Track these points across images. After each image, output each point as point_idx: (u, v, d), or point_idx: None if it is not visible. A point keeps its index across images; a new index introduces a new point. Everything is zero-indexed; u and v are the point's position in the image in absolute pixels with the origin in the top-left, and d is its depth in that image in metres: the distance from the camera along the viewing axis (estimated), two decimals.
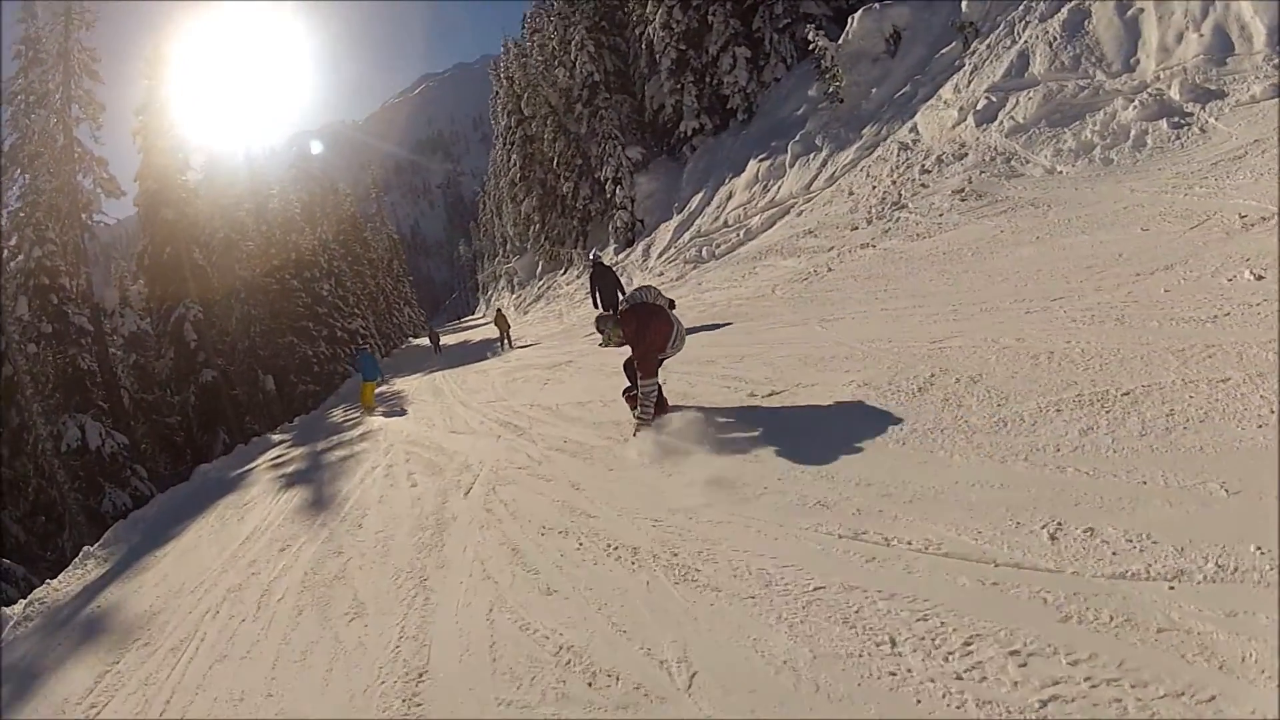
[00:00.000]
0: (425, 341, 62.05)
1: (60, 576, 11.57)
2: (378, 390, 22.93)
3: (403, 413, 17.53)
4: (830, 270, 15.13)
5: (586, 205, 43.04)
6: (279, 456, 17.37)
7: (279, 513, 10.54)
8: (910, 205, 16.63)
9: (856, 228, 17.46)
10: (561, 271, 46.67)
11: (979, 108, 18.31)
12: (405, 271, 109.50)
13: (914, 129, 20.65)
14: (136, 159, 33.53)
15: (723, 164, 30.76)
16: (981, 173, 15.93)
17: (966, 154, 17.28)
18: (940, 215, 15.03)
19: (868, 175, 20.36)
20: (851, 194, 20.06)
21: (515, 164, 51.74)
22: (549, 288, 46.80)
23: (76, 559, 12.35)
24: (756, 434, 6.70)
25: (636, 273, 29.82)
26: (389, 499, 9.15)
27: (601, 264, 17.84)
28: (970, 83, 19.75)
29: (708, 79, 33.67)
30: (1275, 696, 2.48)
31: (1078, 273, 8.38)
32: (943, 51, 22.76)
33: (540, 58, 45.77)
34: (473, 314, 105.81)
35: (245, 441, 24.89)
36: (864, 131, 23.11)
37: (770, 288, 15.97)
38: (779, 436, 6.44)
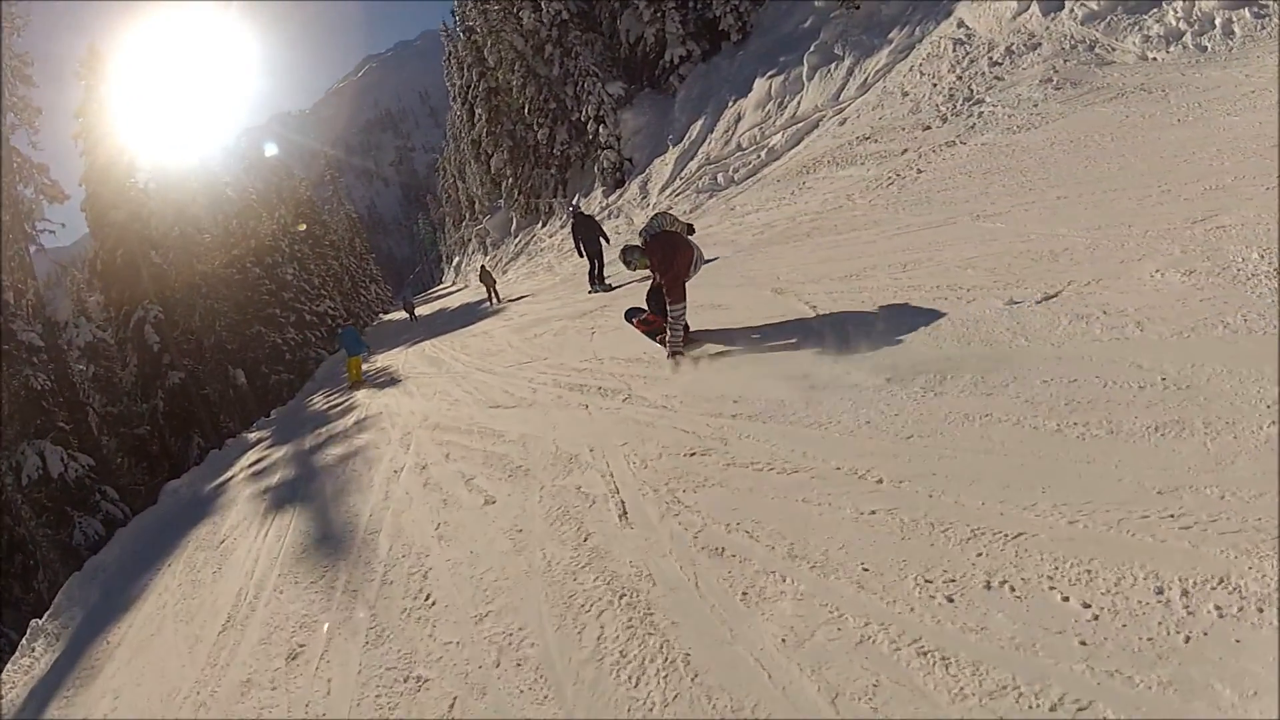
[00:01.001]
0: (396, 317, 59.65)
1: (4, 673, 9.36)
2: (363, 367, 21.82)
3: (403, 390, 14.96)
4: (921, 171, 13.20)
5: (565, 151, 40.07)
6: (259, 461, 14.75)
7: (269, 560, 7.64)
8: (988, 99, 15.30)
9: (929, 127, 15.72)
10: (540, 225, 43.76)
11: None
12: (368, 249, 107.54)
13: (960, 24, 18.88)
14: (80, 163, 31.29)
15: (721, 88, 28.35)
16: (1065, 61, 14.81)
17: (1039, 44, 16.07)
18: (1035, 106, 13.77)
19: (922, 74, 18.50)
20: (906, 94, 18.23)
21: (480, 119, 48.60)
22: (528, 242, 44.04)
23: (24, 640, 9.93)
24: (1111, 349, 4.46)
25: (636, 211, 27.83)
26: (455, 530, 6.00)
27: (582, 213, 17.87)
28: None
29: (691, 3, 30.98)
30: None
31: (1269, 151, 7.02)
32: None
33: (499, 5, 42.22)
34: (441, 284, 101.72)
35: (220, 445, 22.22)
36: (891, 35, 21.24)
37: (844, 197, 13.94)
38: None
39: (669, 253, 7.43)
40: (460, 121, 62.95)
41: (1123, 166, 8.67)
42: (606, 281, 16.72)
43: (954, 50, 18.06)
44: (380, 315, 79.52)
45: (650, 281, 8.22)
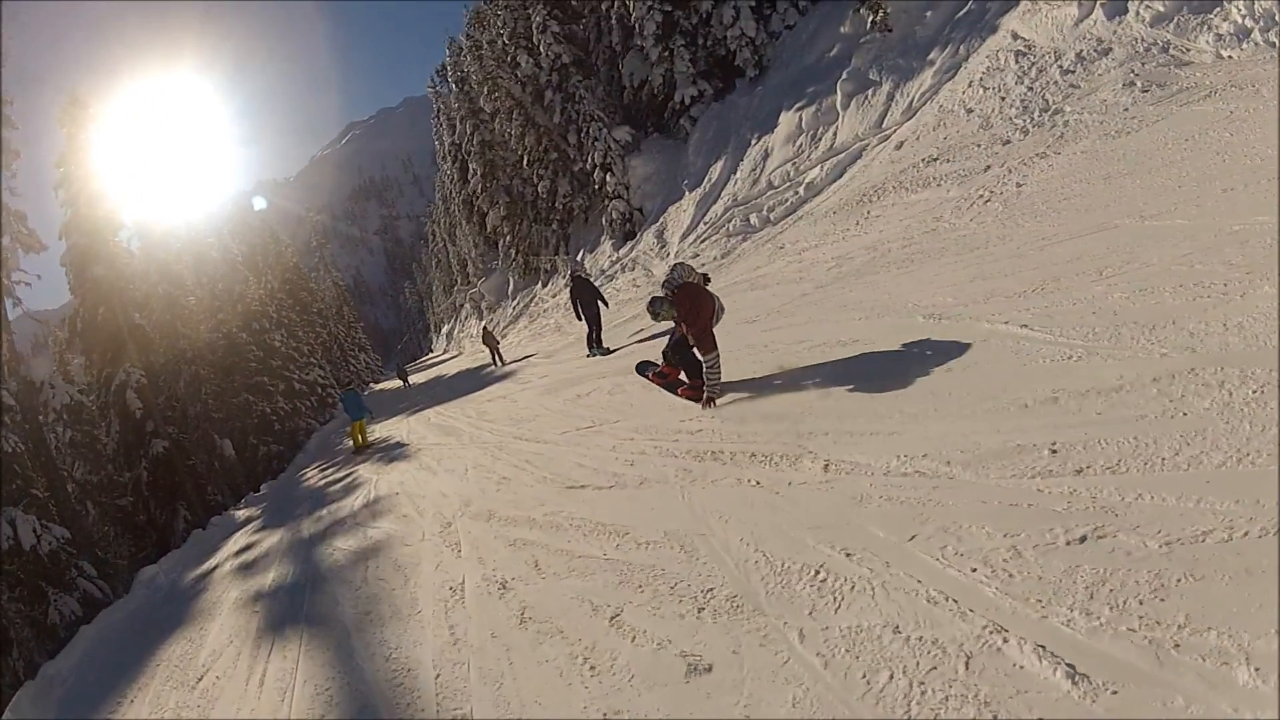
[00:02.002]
0: (388, 385, 57.83)
1: None
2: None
3: (418, 464, 12.78)
4: (1020, 185, 12.03)
5: (567, 204, 38.29)
6: (247, 548, 12.43)
7: None
8: (1068, 108, 14.50)
9: (1008, 141, 14.69)
10: (541, 284, 41.76)
11: (1104, 1, 16.33)
12: (356, 318, 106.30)
13: (1014, 36, 18.03)
14: (58, 214, 29.46)
15: (740, 126, 26.95)
16: (1144, 64, 14.19)
17: (1110, 49, 15.39)
18: (1125, 110, 12.97)
19: (985, 89, 17.47)
20: (971, 111, 17.14)
21: (475, 174, 46.95)
22: (528, 304, 41.99)
23: None
24: None
25: (655, 263, 26.17)
26: None
27: (580, 277, 17.64)
28: None
29: (701, 40, 29.57)
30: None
31: None
32: None
33: (492, 54, 40.93)
34: (431, 353, 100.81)
35: (205, 522, 20.21)
36: (932, 56, 20.26)
37: (932, 220, 12.65)
38: None
39: (696, 304, 7.56)
40: (451, 181, 62.05)
41: (1264, 158, 8.08)
42: (604, 345, 16.42)
43: (1016, 62, 17.13)
44: (370, 384, 77.61)
45: (671, 335, 8.47)
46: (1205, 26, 13.73)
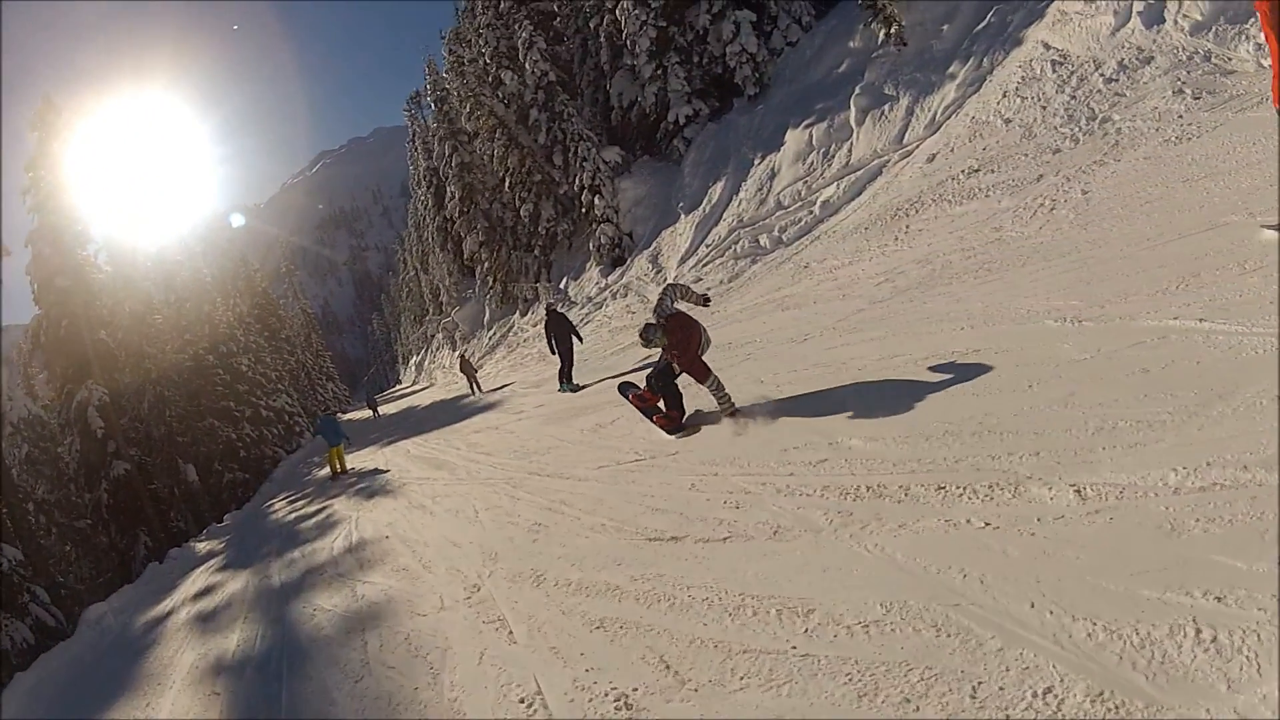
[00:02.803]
0: (357, 416, 56.20)
1: None
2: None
3: (407, 501, 11.50)
4: (1085, 192, 11.71)
5: (550, 228, 37.11)
6: (207, 592, 11.01)
7: None
8: (1117, 116, 14.11)
9: (1058, 150, 14.20)
10: (520, 314, 40.29)
11: (1140, 10, 15.88)
12: (324, 346, 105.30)
13: (1046, 46, 17.47)
14: (26, 221, 28.90)
15: (741, 145, 26.01)
16: (1189, 72, 13.78)
17: (1152, 57, 14.94)
18: (1180, 116, 12.61)
19: (1023, 99, 16.97)
20: (1009, 121, 16.56)
21: (452, 198, 45.50)
22: (507, 333, 40.61)
23: None
24: None
25: (650, 288, 25.23)
26: None
27: (555, 311, 18.15)
28: None
29: (697, 58, 28.66)
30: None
31: None
32: None
33: (474, 73, 40.03)
34: (400, 384, 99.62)
35: (163, 553, 18.87)
36: (952, 70, 19.62)
37: (990, 230, 12.25)
38: None
39: (686, 333, 7.74)
40: (425, 207, 61.21)
41: None
42: (574, 381, 16.71)
43: (1054, 71, 16.66)
44: (338, 415, 76.39)
45: (658, 362, 8.44)
46: (1243, 36, 13.51)
